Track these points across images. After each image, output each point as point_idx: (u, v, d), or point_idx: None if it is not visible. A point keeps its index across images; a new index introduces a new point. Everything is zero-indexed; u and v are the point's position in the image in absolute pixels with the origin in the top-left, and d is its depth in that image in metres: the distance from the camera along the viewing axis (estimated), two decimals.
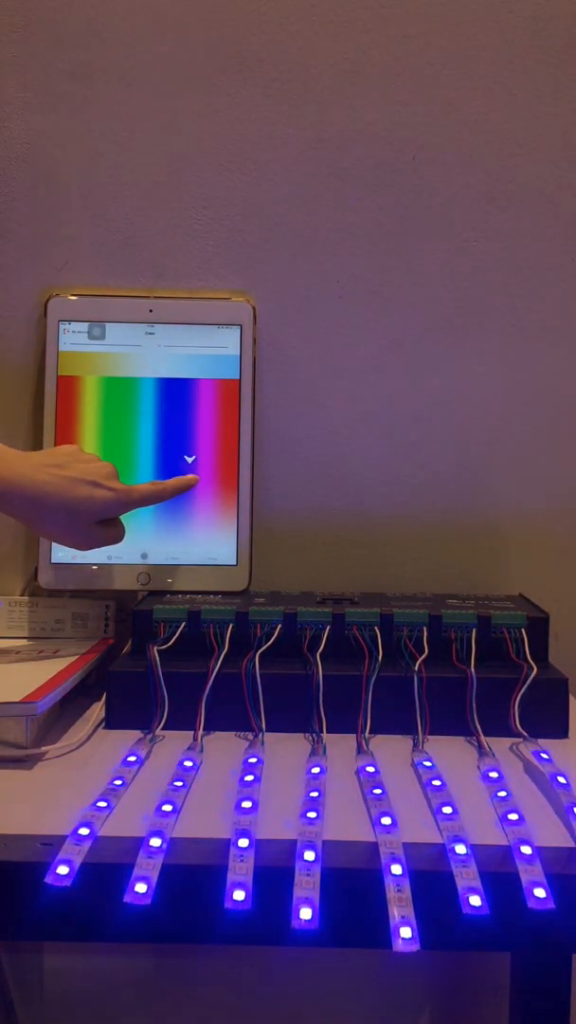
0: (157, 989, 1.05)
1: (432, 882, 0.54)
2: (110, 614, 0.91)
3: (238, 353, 0.93)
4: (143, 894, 0.51)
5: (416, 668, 0.73)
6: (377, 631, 0.77)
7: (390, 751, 0.69)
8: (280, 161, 0.95)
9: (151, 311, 0.93)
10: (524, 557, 0.98)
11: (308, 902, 0.50)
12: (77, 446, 0.80)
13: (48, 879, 0.52)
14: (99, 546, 0.79)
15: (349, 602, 0.82)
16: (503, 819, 0.58)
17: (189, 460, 0.91)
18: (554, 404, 0.97)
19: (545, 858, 0.54)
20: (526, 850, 0.54)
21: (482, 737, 0.71)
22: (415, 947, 0.49)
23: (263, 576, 0.95)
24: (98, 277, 0.95)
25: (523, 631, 0.77)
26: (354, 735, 0.71)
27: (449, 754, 0.69)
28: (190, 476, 0.87)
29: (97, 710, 0.75)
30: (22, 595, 0.95)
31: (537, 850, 0.54)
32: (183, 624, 0.77)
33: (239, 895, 0.51)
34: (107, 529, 0.79)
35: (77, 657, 0.81)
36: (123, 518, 0.81)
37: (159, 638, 0.76)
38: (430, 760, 0.66)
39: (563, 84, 0.94)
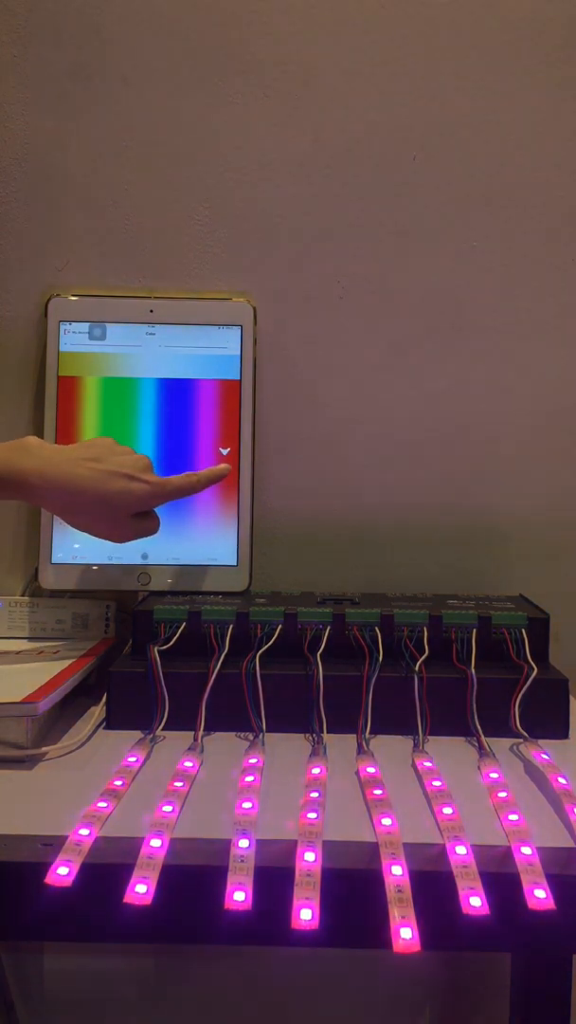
0: (157, 989, 1.05)
1: (432, 882, 0.54)
2: (111, 614, 0.91)
3: (239, 353, 0.93)
4: (143, 894, 0.51)
5: (416, 668, 0.73)
6: (377, 631, 0.77)
7: (390, 751, 0.69)
8: (280, 161, 0.95)
9: (152, 311, 0.93)
10: (524, 557, 0.98)
11: (308, 903, 0.50)
12: (112, 439, 0.80)
13: (48, 879, 0.52)
14: (135, 538, 0.79)
15: (349, 602, 0.82)
16: (503, 820, 0.58)
17: (224, 452, 0.91)
18: (554, 404, 0.97)
19: (545, 858, 0.54)
20: (526, 851, 0.54)
21: (482, 737, 0.71)
22: (415, 947, 0.49)
23: (263, 576, 0.96)
24: (98, 277, 0.95)
25: (523, 631, 0.77)
26: (354, 735, 0.71)
27: (449, 754, 0.69)
28: (222, 466, 0.85)
29: (97, 710, 0.75)
30: (22, 595, 0.95)
31: (537, 850, 0.54)
32: (183, 624, 0.77)
33: (239, 896, 0.51)
34: (142, 521, 0.79)
35: (77, 657, 0.81)
36: None
37: (159, 638, 0.76)
38: (430, 760, 0.66)
39: (563, 84, 0.94)
